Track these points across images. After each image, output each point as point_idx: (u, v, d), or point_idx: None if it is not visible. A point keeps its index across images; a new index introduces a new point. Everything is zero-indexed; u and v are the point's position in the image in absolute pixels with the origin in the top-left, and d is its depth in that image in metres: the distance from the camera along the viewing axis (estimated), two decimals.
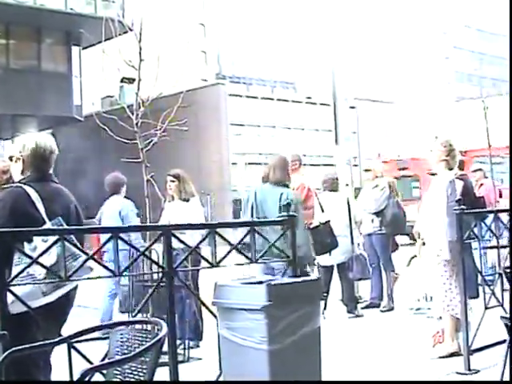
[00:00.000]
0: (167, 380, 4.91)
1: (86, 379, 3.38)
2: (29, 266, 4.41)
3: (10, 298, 4.34)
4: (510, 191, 9.46)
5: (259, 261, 5.38)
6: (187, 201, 9.16)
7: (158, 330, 3.76)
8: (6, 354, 3.65)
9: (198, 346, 8.80)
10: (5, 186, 5.36)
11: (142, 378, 3.76)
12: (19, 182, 5.04)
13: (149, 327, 3.96)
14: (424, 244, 8.00)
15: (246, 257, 5.25)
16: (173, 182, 9.25)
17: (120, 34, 10.19)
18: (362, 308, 11.45)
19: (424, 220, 8.00)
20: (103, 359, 4.37)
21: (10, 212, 4.77)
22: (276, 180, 8.57)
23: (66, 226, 4.81)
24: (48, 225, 4.77)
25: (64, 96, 33.62)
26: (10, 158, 5.15)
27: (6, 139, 36.96)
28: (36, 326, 4.53)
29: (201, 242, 5.23)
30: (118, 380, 3.93)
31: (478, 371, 6.87)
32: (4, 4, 28.39)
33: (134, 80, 9.00)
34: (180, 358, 6.63)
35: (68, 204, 5.16)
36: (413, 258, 10.70)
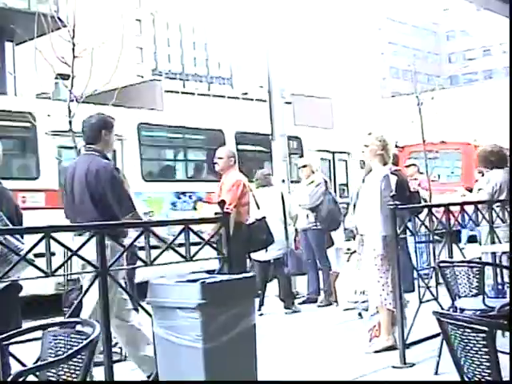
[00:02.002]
0: (102, 380, 4.88)
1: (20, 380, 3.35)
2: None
3: None
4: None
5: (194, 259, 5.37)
6: None
7: (90, 330, 3.73)
8: None
9: None
10: None
11: (76, 379, 3.73)
12: None
13: (83, 328, 3.91)
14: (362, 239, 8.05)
15: (181, 255, 5.23)
16: None
17: (53, 30, 10.06)
18: (300, 303, 11.49)
19: (360, 215, 8.06)
20: (36, 361, 4.33)
21: None
22: None
23: (7, 223, 4.94)
24: None
25: None
26: None
27: None
28: None
29: (135, 240, 5.20)
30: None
31: (414, 365, 6.96)
32: None
33: (69, 76, 8.92)
34: (117, 357, 6.61)
35: (9, 202, 5.30)
36: (352, 253, 10.78)
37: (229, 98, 33.00)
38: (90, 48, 9.29)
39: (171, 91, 24.39)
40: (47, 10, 17.13)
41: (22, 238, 4.96)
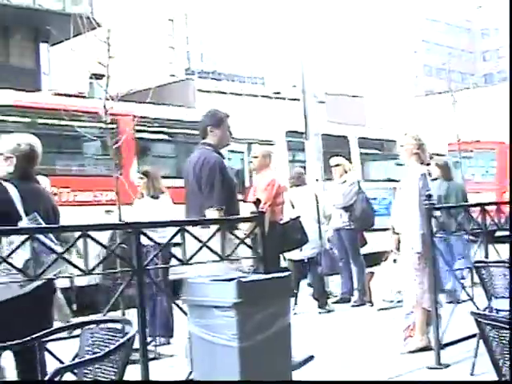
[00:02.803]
0: (139, 380, 4.90)
1: (57, 379, 3.38)
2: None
3: None
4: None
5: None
6: (156, 198, 9.17)
7: (125, 328, 3.76)
8: None
9: (168, 343, 8.78)
10: None
11: (112, 377, 3.75)
12: (1, 179, 5.13)
13: (119, 326, 3.93)
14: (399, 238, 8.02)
15: (216, 254, 5.24)
16: (141, 178, 9.27)
17: (88, 31, 10.13)
18: (333, 303, 11.48)
19: (397, 214, 8.04)
20: (73, 359, 4.36)
21: None
22: None
23: (41, 222, 4.89)
24: (24, 221, 4.87)
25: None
26: None
27: None
28: (18, 315, 4.56)
29: (171, 239, 5.21)
30: (90, 379, 3.92)
31: (449, 365, 6.91)
32: None
33: (103, 76, 8.97)
34: (151, 356, 6.64)
35: (46, 203, 5.28)
36: (389, 252, 10.75)
37: (262, 97, 32.96)
38: (125, 48, 9.35)
39: (204, 90, 24.40)
40: (82, 10, 17.29)
41: (58, 238, 4.98)
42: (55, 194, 9.70)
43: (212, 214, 6.12)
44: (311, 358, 7.14)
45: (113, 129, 9.87)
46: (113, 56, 8.93)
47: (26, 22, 31.05)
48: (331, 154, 13.12)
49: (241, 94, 31.31)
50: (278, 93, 34.47)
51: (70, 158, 13.72)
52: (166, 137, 15.14)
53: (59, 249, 4.67)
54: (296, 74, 14.37)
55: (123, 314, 7.62)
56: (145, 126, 13.56)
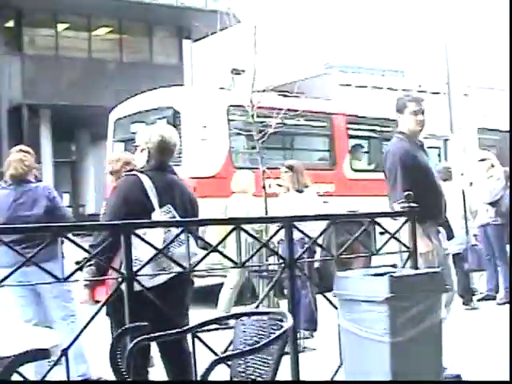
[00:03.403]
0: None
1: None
2: (152, 259, 4.59)
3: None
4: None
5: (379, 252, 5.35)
6: (301, 192, 9.20)
7: (281, 321, 3.77)
8: (134, 342, 3.74)
9: (312, 336, 8.82)
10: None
11: (266, 369, 3.78)
12: (137, 170, 5.23)
13: (274, 318, 3.96)
14: None
15: (367, 248, 5.23)
16: (286, 172, 9.29)
17: (231, 26, 10.28)
18: (478, 300, 11.25)
19: None
20: (225, 350, 4.44)
21: (123, 199, 5.04)
22: None
23: (175, 214, 4.97)
24: (157, 212, 4.94)
25: None
26: (135, 147, 5.31)
27: None
28: (158, 302, 4.65)
29: (322, 233, 5.23)
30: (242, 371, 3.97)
31: None
32: (116, 0, 29.00)
33: (243, 71, 9.09)
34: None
35: (183, 194, 5.27)
36: None
37: (403, 90, 32.58)
38: (265, 43, 9.42)
39: (345, 84, 24.29)
40: (223, 7, 17.53)
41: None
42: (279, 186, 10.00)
43: (397, 207, 5.95)
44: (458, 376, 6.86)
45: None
46: (257, 51, 9.02)
47: (168, 20, 31.78)
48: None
49: (381, 88, 31.00)
50: (420, 86, 33.95)
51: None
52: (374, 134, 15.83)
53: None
54: (439, 66, 14.10)
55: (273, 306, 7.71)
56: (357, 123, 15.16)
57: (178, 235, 4.72)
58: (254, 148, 9.06)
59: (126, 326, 4.05)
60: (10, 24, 31.18)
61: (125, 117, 14.06)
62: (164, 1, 30.51)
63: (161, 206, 4.97)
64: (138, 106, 13.76)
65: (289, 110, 10.30)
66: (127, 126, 14.11)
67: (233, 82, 16.69)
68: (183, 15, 30.39)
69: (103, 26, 33.05)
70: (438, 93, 18.65)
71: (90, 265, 4.87)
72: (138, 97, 14.05)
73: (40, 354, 3.05)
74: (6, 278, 4.10)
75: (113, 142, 14.35)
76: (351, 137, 15.15)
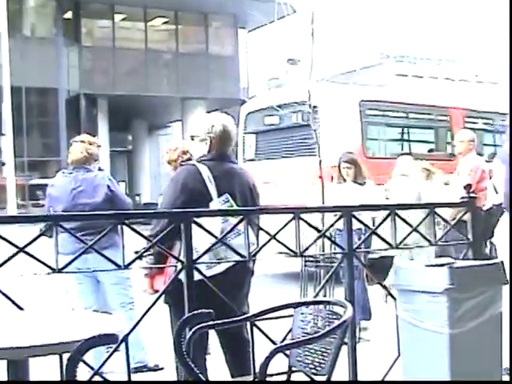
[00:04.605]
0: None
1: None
2: (210, 249, 4.60)
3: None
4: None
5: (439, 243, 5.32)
6: (362, 184, 9.29)
7: (341, 310, 3.77)
8: (194, 329, 3.76)
9: (365, 328, 8.79)
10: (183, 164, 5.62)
11: (324, 359, 3.78)
12: (195, 160, 5.24)
13: (335, 308, 3.96)
14: None
15: (426, 239, 5.19)
16: (349, 168, 9.37)
17: (288, 15, 10.26)
18: None
19: None
20: (284, 339, 4.45)
21: (181, 188, 5.04)
22: None
23: (233, 203, 4.99)
24: (215, 202, 4.95)
25: (231, 78, 34.15)
26: (192, 138, 5.32)
27: (175, 121, 37.76)
28: (217, 290, 4.66)
29: (381, 223, 5.21)
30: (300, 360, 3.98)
31: None
32: None
33: (299, 61, 9.08)
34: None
35: (242, 184, 5.26)
36: None
37: (460, 80, 32.26)
38: (323, 33, 9.40)
39: (401, 74, 24.18)
40: None
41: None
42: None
43: None
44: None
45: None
46: (314, 41, 9.00)
47: (224, 10, 31.89)
48: None
49: (437, 78, 30.80)
50: (477, 76, 33.61)
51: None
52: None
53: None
54: (496, 55, 13.99)
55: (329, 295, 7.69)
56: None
57: (236, 225, 4.71)
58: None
59: (191, 313, 4.07)
60: (69, 15, 31.59)
61: (257, 110, 15.26)
62: None
63: (219, 196, 4.98)
64: (272, 100, 14.47)
65: (413, 104, 10.73)
66: (259, 119, 15.20)
67: (287, 72, 16.75)
68: (239, 4, 30.45)
69: (159, 17, 33.30)
70: (496, 83, 18.55)
71: (150, 254, 4.92)
72: (272, 91, 15.24)
73: (108, 339, 3.08)
74: (68, 265, 4.14)
75: (244, 133, 15.47)
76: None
